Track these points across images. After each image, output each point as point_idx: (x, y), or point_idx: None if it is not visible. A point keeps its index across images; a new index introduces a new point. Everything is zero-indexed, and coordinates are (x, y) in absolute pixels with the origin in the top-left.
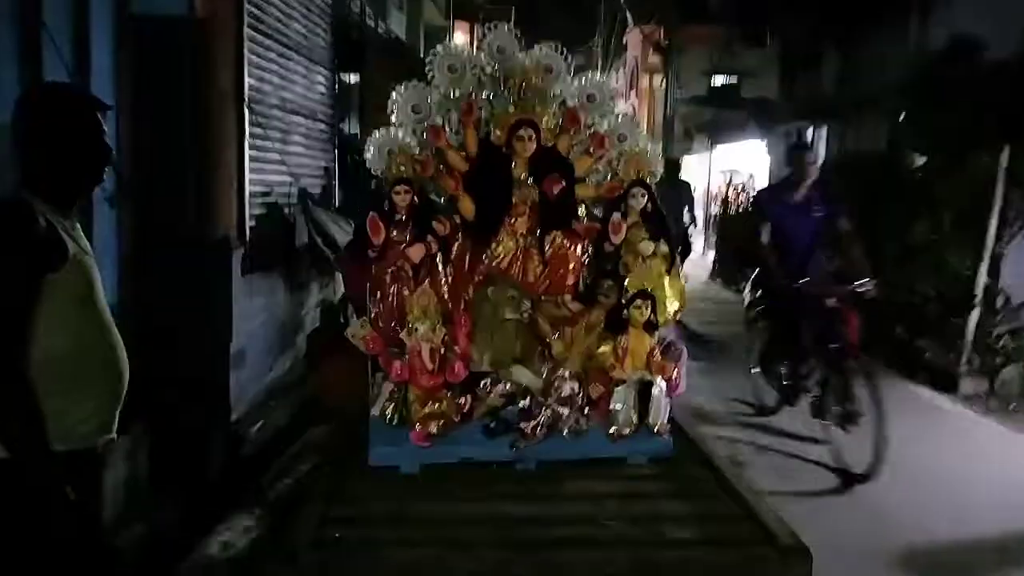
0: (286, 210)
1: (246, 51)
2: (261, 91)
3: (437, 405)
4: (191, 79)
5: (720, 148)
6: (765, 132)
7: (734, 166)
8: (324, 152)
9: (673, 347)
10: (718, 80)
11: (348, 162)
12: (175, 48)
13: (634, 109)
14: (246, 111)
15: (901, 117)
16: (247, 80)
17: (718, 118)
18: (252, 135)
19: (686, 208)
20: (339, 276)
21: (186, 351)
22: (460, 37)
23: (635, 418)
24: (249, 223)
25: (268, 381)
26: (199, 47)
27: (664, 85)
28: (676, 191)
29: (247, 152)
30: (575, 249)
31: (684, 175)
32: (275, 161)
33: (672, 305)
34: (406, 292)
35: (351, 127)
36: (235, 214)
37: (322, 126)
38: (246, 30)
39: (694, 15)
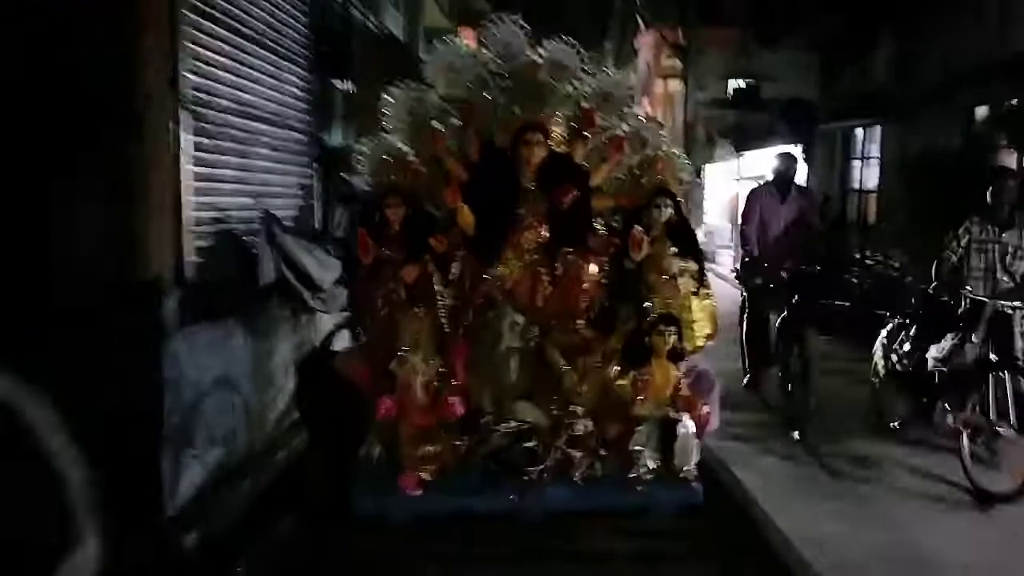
0: (245, 240)
1: (182, 37)
2: (209, 91)
3: (431, 447)
4: (98, 70)
5: (747, 155)
6: (801, 135)
7: (763, 174)
8: (299, 167)
9: (704, 378)
10: (738, 83)
11: (331, 179)
12: (71, 27)
13: (647, 114)
14: (183, 115)
15: (981, 110)
16: (184, 75)
17: (743, 122)
18: (197, 147)
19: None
20: (319, 317)
21: (99, 438)
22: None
23: (658, 462)
24: (190, 259)
25: (220, 461)
26: (109, 28)
27: (683, 88)
28: None
29: (185, 168)
30: (590, 268)
31: (707, 186)
32: (229, 180)
33: (702, 330)
34: (398, 317)
35: (335, 137)
36: (170, 249)
37: (297, 135)
38: (183, 12)
39: (713, 16)
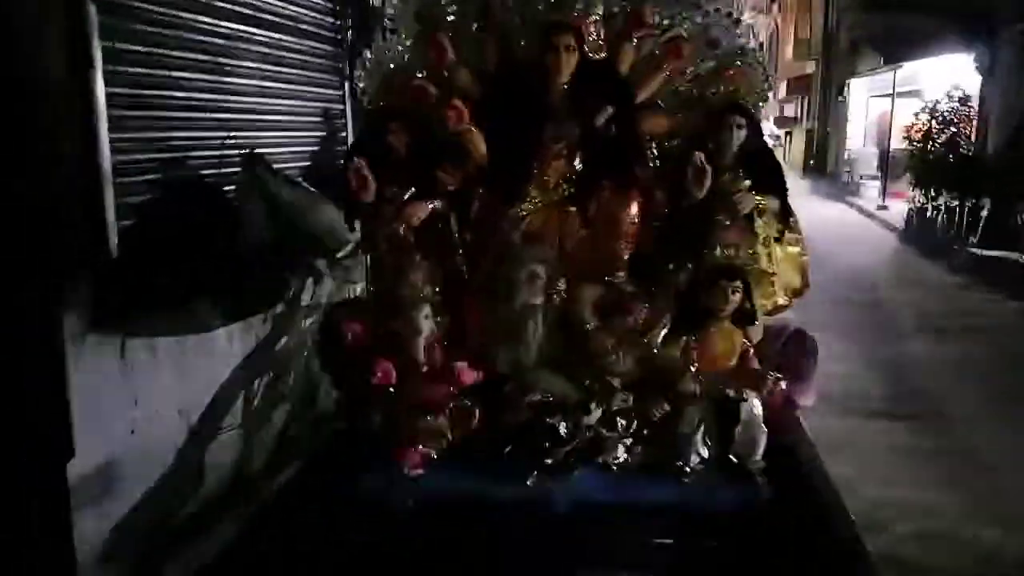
0: (215, 192)
1: None
2: None
3: (437, 420)
4: None
5: (905, 67)
6: (980, 41)
7: (921, 88)
8: (318, 86)
9: (797, 341)
10: None
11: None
12: None
13: (776, 25)
14: (91, 8)
15: None
16: None
17: (895, 26)
18: (116, 54)
19: None
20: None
21: None
22: None
23: (712, 450)
24: (118, 223)
25: (167, 515)
26: None
27: None
28: None
29: (100, 87)
30: (633, 206)
31: (850, 104)
32: (189, 104)
33: (786, 285)
34: (402, 264)
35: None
36: (79, 208)
37: (311, 43)
38: None
39: None
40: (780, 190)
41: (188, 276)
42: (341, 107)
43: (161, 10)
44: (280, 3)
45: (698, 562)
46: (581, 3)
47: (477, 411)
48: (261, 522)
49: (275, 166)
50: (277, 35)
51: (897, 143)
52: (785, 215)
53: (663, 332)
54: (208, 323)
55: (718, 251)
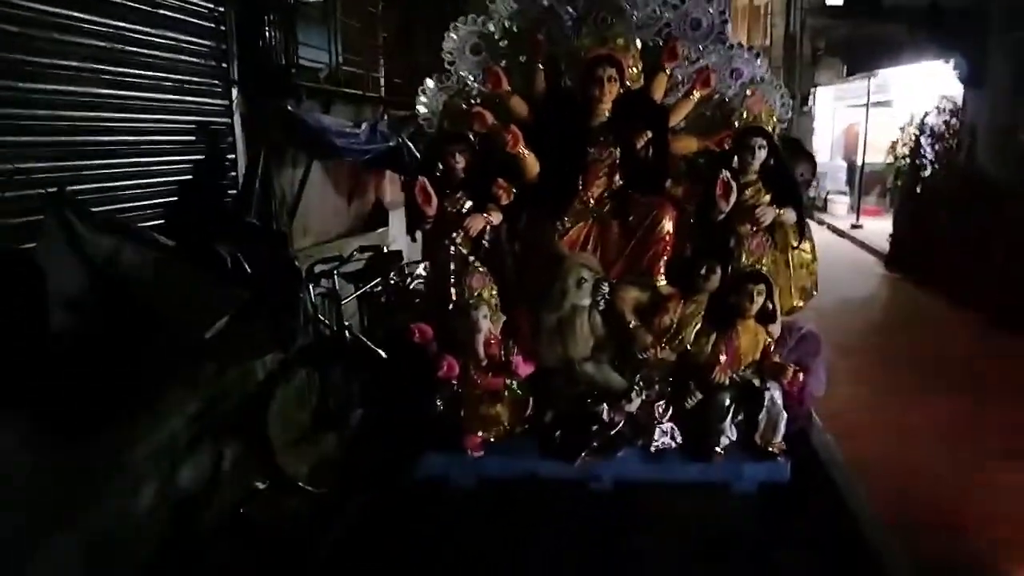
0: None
1: None
2: None
3: (495, 408)
4: None
5: (880, 74)
6: (958, 50)
7: (892, 99)
8: (189, 94)
9: (809, 340)
10: None
11: (278, 115)
12: None
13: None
14: None
15: None
16: None
17: (862, 35)
18: None
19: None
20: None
21: None
22: None
23: (738, 434)
24: None
25: None
26: None
27: None
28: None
29: None
30: (668, 219)
31: (815, 114)
32: None
33: (800, 289)
34: (461, 271)
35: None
36: None
37: (177, 35)
38: None
39: None
40: (797, 203)
41: None
42: (226, 120)
43: None
44: None
45: (726, 532)
46: (621, 39)
47: (531, 400)
48: (339, 506)
49: (107, 207)
50: (119, 23)
51: (870, 157)
52: (801, 226)
53: (695, 329)
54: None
55: (744, 258)
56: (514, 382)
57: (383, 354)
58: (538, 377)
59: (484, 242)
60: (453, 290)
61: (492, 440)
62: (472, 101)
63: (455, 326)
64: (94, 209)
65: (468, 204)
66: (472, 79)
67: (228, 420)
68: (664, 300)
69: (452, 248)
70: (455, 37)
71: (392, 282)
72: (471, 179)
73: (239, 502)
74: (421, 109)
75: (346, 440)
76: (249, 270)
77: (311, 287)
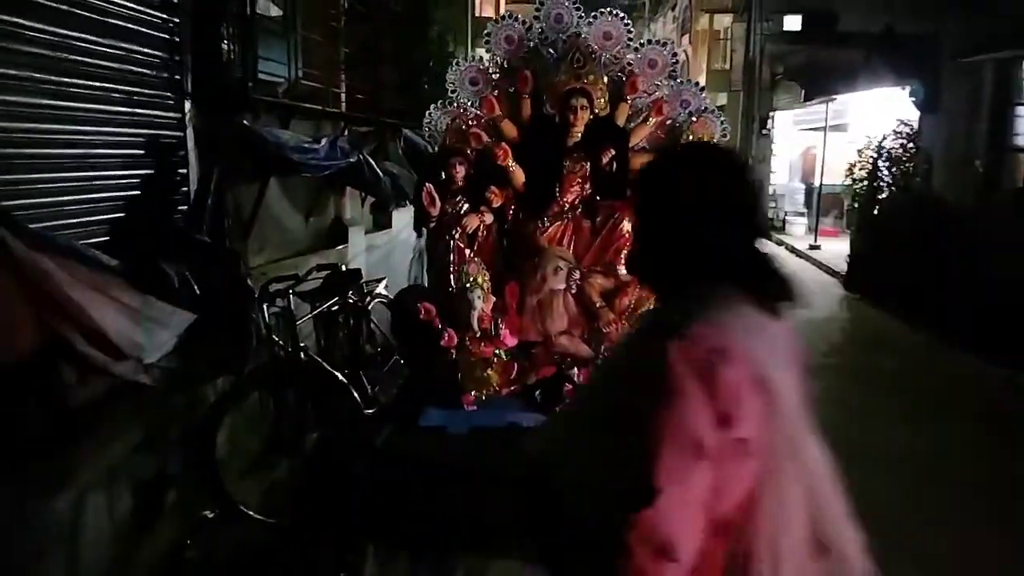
0: None
1: None
2: None
3: (487, 372)
4: None
5: (815, 104)
6: (913, 76)
7: (847, 122)
8: (137, 105)
9: None
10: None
11: (234, 131)
12: None
13: (687, 56)
14: None
15: None
16: None
17: (820, 60)
18: None
19: None
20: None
21: None
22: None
23: None
24: None
25: None
26: None
27: (733, 23)
28: None
29: None
30: (628, 220)
31: (776, 138)
32: None
33: None
34: (459, 261)
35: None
36: None
37: (124, 43)
38: None
39: None
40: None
41: None
42: (177, 134)
43: None
44: None
45: None
46: (592, 75)
47: (516, 365)
48: (355, 441)
49: (47, 224)
50: (63, 30)
51: (827, 179)
52: None
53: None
54: None
55: None
56: (502, 351)
57: (340, 377)
58: (522, 347)
59: (478, 237)
60: (452, 276)
61: (483, 398)
62: (470, 123)
63: (454, 305)
64: (32, 226)
65: (465, 206)
66: (470, 105)
67: (173, 447)
68: (624, 286)
69: (452, 242)
70: (457, 71)
71: (351, 301)
72: (468, 186)
73: (185, 532)
74: (427, 129)
75: (299, 467)
76: (198, 290)
77: (265, 307)
